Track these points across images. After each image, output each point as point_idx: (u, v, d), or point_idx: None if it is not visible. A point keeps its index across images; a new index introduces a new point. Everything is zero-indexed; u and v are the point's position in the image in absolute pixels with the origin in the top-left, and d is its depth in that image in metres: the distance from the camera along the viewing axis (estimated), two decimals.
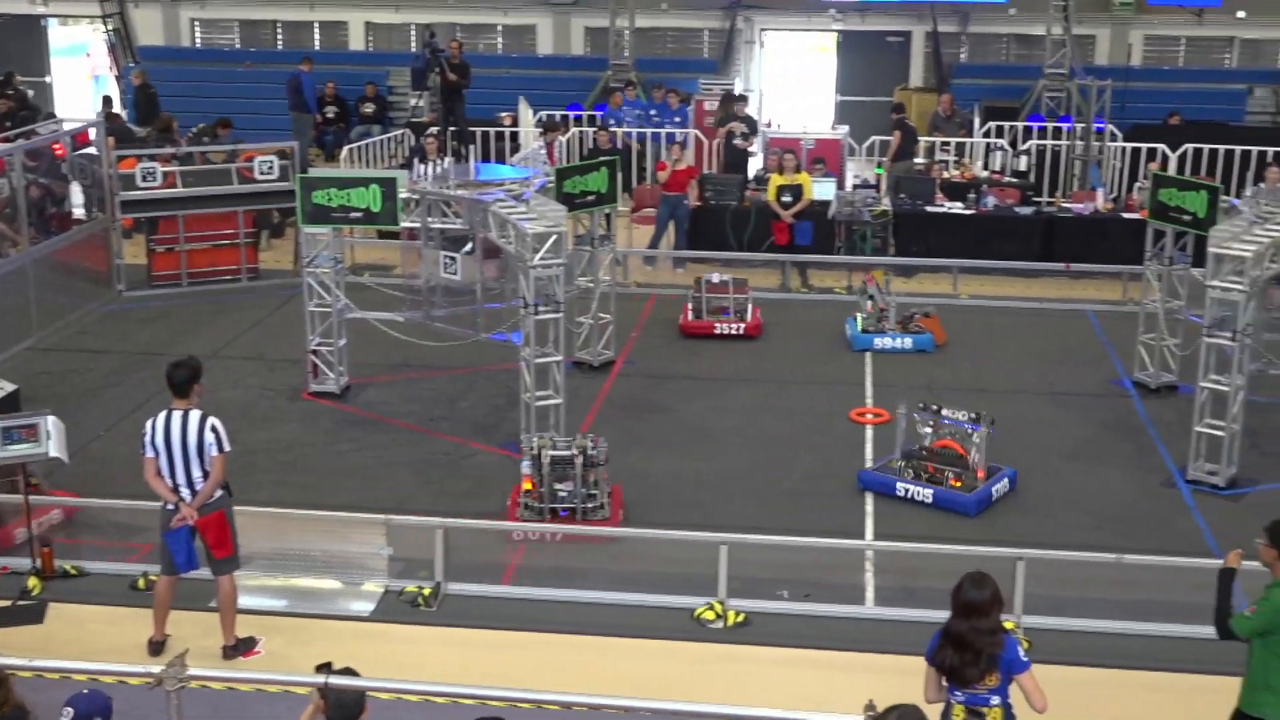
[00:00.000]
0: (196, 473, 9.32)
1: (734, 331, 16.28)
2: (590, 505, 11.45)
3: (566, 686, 9.16)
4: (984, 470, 12.02)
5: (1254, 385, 12.60)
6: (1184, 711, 8.92)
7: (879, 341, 15.97)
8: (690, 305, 16.56)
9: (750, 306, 16.51)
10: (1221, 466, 12.20)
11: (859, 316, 16.24)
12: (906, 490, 12.07)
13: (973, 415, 12.04)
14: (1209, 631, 9.41)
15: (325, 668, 6.49)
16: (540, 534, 11.18)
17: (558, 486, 11.39)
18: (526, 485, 11.47)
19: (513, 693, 8.10)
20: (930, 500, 11.97)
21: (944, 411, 12.23)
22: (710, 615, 10.15)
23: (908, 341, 16.00)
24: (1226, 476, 12.21)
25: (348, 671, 6.51)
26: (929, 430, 12.26)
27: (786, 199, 18.68)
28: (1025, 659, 7.10)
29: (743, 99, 23.77)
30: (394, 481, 12.46)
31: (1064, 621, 10.04)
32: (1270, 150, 20.94)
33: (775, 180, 18.92)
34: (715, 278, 16.62)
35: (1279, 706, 7.36)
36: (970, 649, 7.00)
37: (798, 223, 18.69)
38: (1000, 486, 12.12)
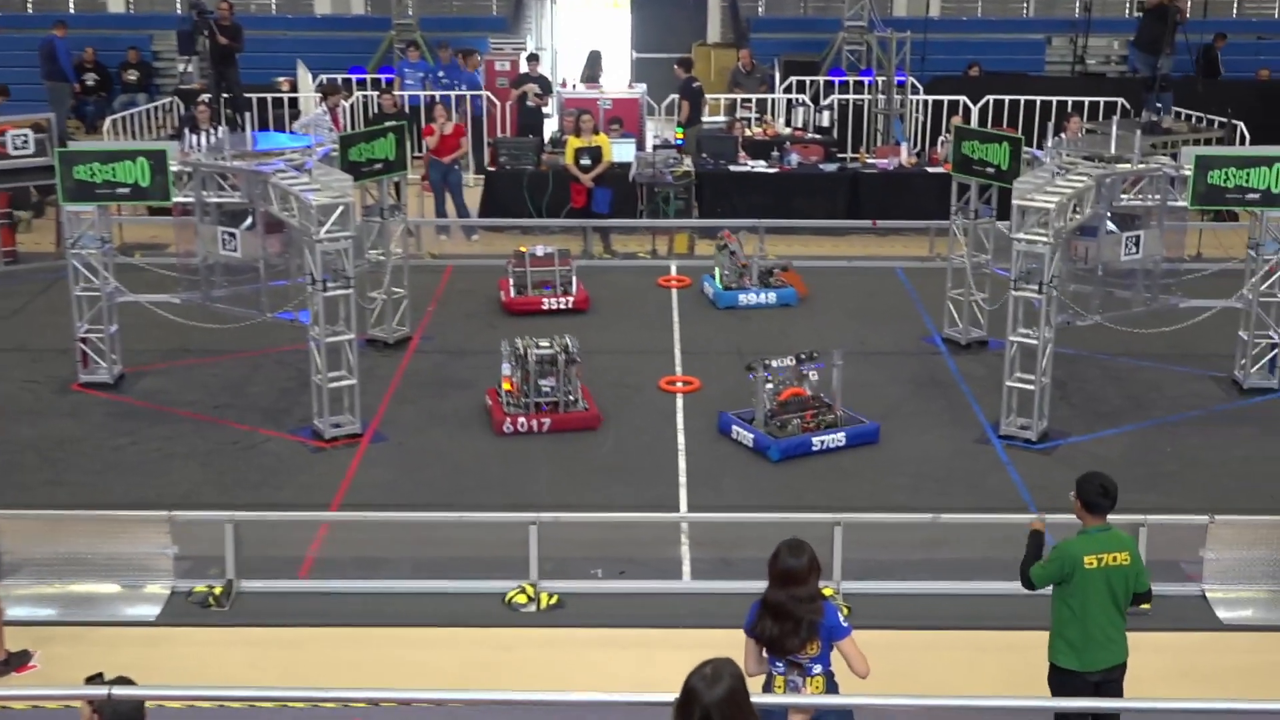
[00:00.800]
0: None
1: (562, 306, 16.09)
2: (570, 399, 12.83)
3: (373, 682, 9.08)
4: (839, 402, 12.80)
5: (1061, 337, 13.08)
6: (1006, 668, 9.21)
7: (743, 298, 16.26)
8: (512, 281, 16.30)
9: (574, 278, 16.39)
10: (1033, 421, 12.62)
11: (717, 273, 16.44)
12: (821, 442, 12.54)
13: (800, 356, 12.74)
14: (1024, 588, 9.79)
15: (97, 679, 6.32)
16: (529, 427, 12.77)
17: (541, 383, 12.72)
18: (506, 386, 12.88)
19: (315, 692, 8.00)
20: (844, 442, 12.60)
21: (772, 363, 12.71)
22: (522, 599, 10.14)
23: (771, 296, 16.35)
24: (1038, 430, 12.64)
25: (122, 680, 6.33)
26: (770, 386, 12.67)
27: (585, 162, 18.70)
28: (846, 625, 7.25)
29: (533, 58, 23.70)
30: (178, 475, 12.14)
31: (883, 585, 10.29)
32: (1070, 100, 21.73)
33: (572, 143, 18.92)
34: (539, 250, 16.41)
35: (1071, 654, 7.72)
36: (790, 618, 7.11)
37: (597, 186, 18.73)
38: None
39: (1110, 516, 7.80)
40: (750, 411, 12.80)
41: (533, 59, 23.63)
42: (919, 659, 9.38)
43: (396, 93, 21.87)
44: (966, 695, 8.60)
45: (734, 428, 12.81)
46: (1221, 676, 9.33)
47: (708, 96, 23.17)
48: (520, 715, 8.84)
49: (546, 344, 12.89)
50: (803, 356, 12.85)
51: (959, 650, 9.62)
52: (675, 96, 22.15)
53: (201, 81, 23.18)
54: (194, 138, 13.74)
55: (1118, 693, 7.77)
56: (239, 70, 22.87)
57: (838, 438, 12.59)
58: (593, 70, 23.58)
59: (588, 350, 14.70)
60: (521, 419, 12.76)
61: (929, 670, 9.30)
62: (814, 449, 12.51)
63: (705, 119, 22.26)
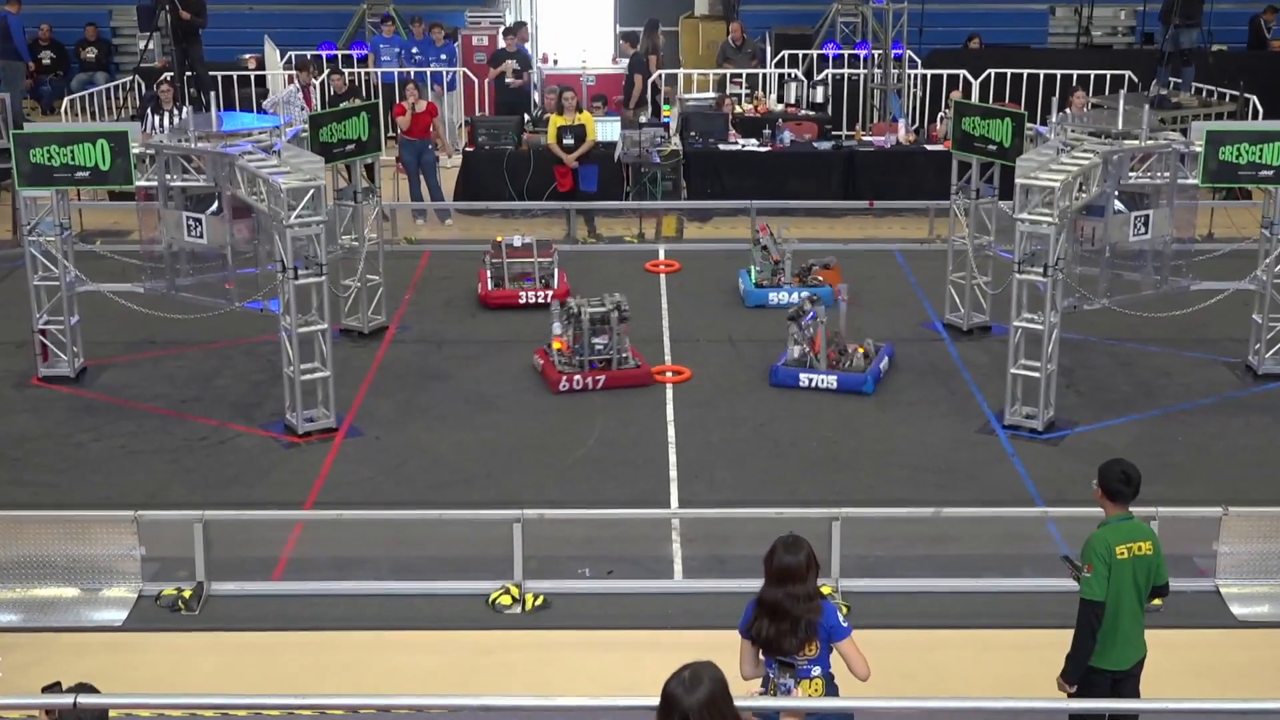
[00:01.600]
0: None
1: (542, 300, 15.77)
2: (622, 355, 13.76)
3: (351, 688, 9.09)
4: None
5: (1068, 322, 13.12)
6: (1012, 668, 9.26)
7: (774, 296, 16.03)
8: (489, 272, 16.16)
9: (556, 270, 16.25)
10: (1039, 409, 12.64)
11: (752, 269, 16.34)
12: (881, 368, 13.92)
13: (810, 299, 13.96)
14: (1030, 585, 9.87)
15: (55, 688, 6.33)
16: (584, 384, 13.66)
17: (594, 341, 13.60)
18: (557, 345, 13.80)
19: (290, 699, 8.02)
20: (889, 364, 14.08)
21: (805, 307, 13.84)
22: (506, 600, 10.15)
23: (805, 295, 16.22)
24: (1044, 420, 12.67)
25: (84, 688, 6.33)
26: (811, 330, 13.73)
27: (568, 141, 18.70)
28: (845, 625, 7.26)
29: (510, 31, 23.64)
30: (144, 473, 12.14)
31: (884, 583, 10.31)
32: (1075, 73, 21.74)
33: (555, 121, 18.91)
34: (517, 240, 16.23)
35: (1099, 652, 7.70)
36: (787, 618, 7.12)
37: (581, 167, 18.71)
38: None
39: None
40: (786, 357, 13.80)
41: (509, 32, 23.55)
42: (922, 659, 9.42)
43: (360, 70, 21.79)
44: (972, 697, 8.65)
45: (803, 375, 13.57)
46: (1237, 675, 9.36)
47: (696, 71, 23.18)
48: None
49: (599, 302, 13.73)
50: (813, 299, 13.80)
51: (963, 650, 9.65)
52: (634, 75, 22.11)
53: (164, 59, 23.09)
54: (156, 118, 13.73)
55: (1136, 688, 7.80)
56: (203, 47, 22.77)
57: (885, 361, 14.00)
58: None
59: None
60: (577, 377, 13.58)
61: (932, 671, 9.34)
62: (880, 375, 13.81)
63: (694, 95, 22.26)
